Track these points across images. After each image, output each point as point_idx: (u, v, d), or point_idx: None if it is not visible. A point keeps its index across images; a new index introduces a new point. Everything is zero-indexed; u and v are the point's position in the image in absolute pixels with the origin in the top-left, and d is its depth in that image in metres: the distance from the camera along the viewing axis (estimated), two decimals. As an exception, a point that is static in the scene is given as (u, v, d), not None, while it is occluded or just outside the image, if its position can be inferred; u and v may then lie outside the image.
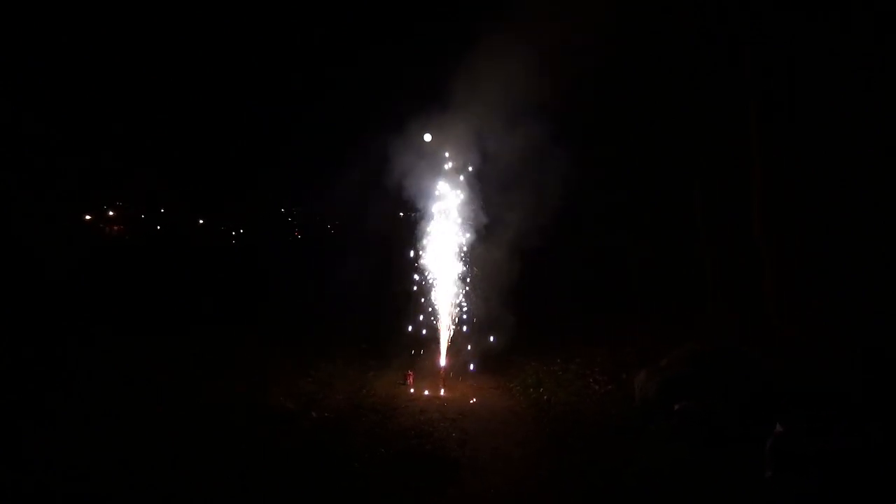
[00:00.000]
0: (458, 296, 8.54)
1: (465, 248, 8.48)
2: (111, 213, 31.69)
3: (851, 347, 6.19)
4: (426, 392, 7.47)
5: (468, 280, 8.55)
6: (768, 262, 7.76)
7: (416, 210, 8.55)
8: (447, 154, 8.24)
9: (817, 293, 7.43)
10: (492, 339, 8.58)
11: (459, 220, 8.37)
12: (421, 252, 8.49)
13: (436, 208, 8.35)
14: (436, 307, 8.54)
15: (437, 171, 8.27)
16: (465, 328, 8.56)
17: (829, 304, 7.16)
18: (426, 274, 8.55)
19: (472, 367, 8.38)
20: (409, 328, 8.54)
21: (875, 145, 6.88)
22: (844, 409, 4.85)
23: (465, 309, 8.60)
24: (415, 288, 8.62)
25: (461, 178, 8.30)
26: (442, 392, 7.52)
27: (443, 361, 8.16)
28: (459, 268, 8.49)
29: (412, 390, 7.53)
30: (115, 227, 30.83)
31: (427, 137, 8.26)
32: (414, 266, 8.58)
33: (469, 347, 8.57)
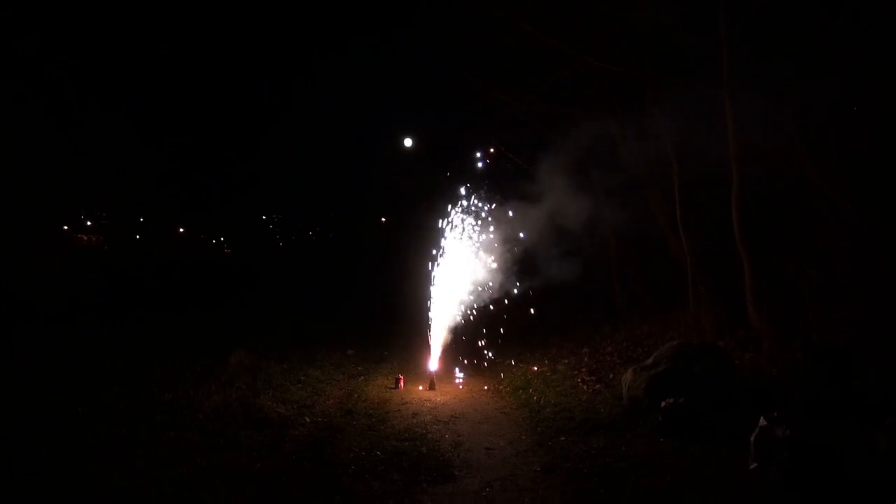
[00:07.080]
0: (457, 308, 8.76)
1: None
2: (88, 222, 31.06)
3: (819, 344, 6.44)
4: (417, 396, 7.54)
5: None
6: (747, 263, 8.01)
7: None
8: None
9: (792, 293, 7.70)
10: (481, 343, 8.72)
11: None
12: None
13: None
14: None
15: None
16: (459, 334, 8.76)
17: (802, 303, 7.44)
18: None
19: (460, 373, 8.49)
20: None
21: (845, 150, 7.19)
22: (815, 404, 5.08)
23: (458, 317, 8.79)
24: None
25: None
26: (433, 395, 7.60)
27: (433, 366, 8.25)
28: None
29: (403, 394, 7.60)
30: (93, 238, 30.22)
31: (408, 142, 8.52)
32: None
33: (459, 352, 8.70)
